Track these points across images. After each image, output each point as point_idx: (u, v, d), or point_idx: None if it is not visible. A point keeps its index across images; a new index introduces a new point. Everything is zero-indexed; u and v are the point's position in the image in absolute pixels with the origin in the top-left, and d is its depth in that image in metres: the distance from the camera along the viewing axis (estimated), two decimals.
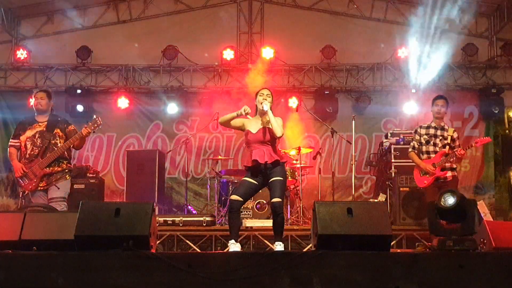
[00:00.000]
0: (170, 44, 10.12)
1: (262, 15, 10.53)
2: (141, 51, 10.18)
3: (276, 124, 5.31)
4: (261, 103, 5.39)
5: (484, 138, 7.15)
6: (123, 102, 10.16)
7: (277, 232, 5.28)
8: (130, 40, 10.23)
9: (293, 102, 10.04)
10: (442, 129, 6.58)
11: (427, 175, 6.47)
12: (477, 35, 10.19)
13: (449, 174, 6.45)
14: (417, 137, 6.64)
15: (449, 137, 6.52)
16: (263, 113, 5.43)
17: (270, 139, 5.38)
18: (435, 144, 6.53)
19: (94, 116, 5.90)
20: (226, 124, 5.56)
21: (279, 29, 10.38)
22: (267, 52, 10.00)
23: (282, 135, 5.40)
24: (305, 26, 10.37)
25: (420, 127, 6.70)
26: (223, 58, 10.14)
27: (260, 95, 5.45)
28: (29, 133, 5.92)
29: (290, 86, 10.29)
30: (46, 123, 5.96)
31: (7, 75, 10.41)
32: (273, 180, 5.29)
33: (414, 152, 6.66)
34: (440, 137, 6.52)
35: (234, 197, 5.28)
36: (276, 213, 5.25)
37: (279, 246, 5.19)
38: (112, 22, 10.50)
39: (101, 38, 10.33)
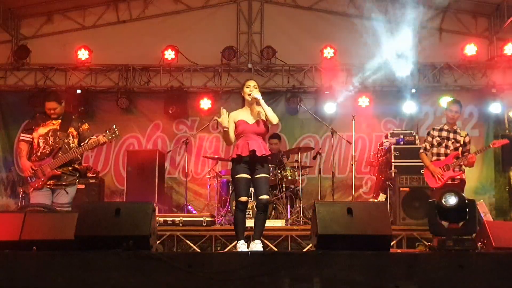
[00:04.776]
0: (170, 44, 10.11)
1: (262, 15, 10.51)
2: (141, 51, 10.17)
3: (271, 111, 5.39)
4: (249, 94, 5.41)
5: (501, 140, 7.11)
6: (123, 102, 10.15)
7: (260, 229, 5.31)
8: (130, 40, 10.22)
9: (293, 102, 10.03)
10: (455, 132, 6.66)
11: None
12: (477, 35, 10.18)
13: (457, 176, 6.54)
14: (430, 138, 6.69)
15: (462, 140, 6.60)
16: (252, 103, 5.46)
17: (264, 131, 5.48)
18: (446, 147, 6.60)
19: (114, 126, 5.71)
20: (230, 138, 5.47)
21: (279, 29, 10.37)
22: (268, 52, 9.99)
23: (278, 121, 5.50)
24: (305, 26, 10.35)
25: (433, 129, 6.76)
26: (222, 58, 10.12)
27: (246, 87, 5.48)
28: (42, 130, 5.69)
29: (290, 86, 10.28)
30: (60, 121, 5.76)
31: (7, 75, 10.40)
32: (260, 177, 5.33)
33: (425, 153, 6.71)
34: (453, 140, 6.60)
35: (243, 198, 5.31)
36: (262, 210, 5.32)
37: (259, 245, 5.19)
38: (112, 22, 10.47)
39: (101, 38, 10.32)
